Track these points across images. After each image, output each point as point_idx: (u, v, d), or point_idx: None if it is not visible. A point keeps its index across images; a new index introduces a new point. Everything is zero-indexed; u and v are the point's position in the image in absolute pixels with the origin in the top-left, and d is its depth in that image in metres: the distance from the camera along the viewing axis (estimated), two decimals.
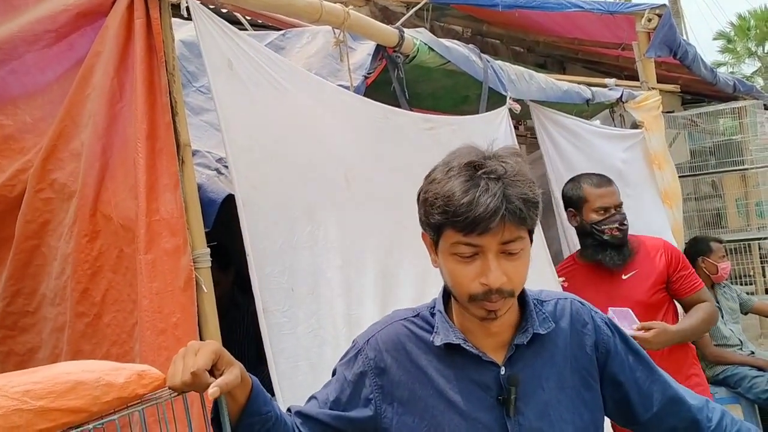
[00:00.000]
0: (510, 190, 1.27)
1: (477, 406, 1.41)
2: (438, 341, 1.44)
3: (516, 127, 5.06)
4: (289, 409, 1.49)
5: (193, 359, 1.20)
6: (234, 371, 1.25)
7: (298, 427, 1.44)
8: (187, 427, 1.35)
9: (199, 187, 1.82)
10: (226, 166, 1.79)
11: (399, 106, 2.49)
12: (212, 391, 1.18)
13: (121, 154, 1.79)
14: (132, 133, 1.74)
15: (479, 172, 1.29)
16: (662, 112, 4.67)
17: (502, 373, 1.42)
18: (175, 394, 1.25)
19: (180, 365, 1.21)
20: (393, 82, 2.48)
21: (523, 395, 1.41)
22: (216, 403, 1.29)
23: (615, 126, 4.30)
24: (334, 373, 1.52)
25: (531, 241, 1.36)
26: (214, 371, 1.23)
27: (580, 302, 1.55)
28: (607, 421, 1.60)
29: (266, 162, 1.77)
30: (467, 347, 1.42)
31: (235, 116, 1.72)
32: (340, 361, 1.52)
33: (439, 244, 1.36)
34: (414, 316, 1.51)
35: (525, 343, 1.43)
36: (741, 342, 4.60)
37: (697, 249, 4.67)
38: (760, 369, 4.34)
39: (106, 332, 1.85)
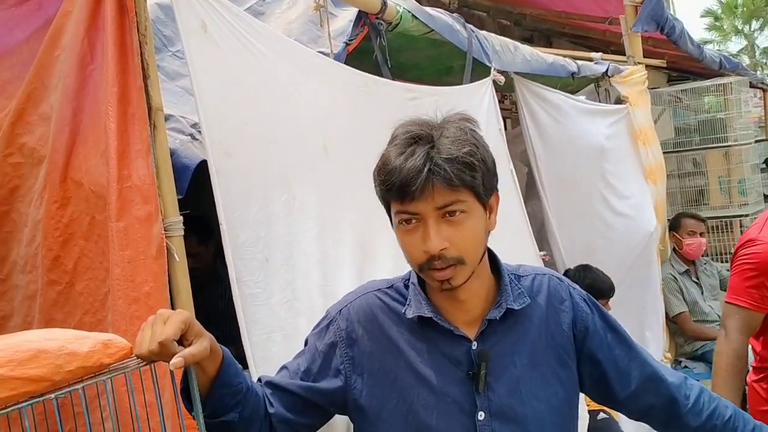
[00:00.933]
0: (437, 152, 1.26)
1: (447, 381, 1.40)
2: (410, 314, 1.42)
3: (501, 101, 5.04)
4: (259, 380, 1.48)
5: (162, 328, 1.17)
6: (203, 342, 1.23)
7: (268, 398, 1.42)
8: (158, 397, 1.33)
9: (173, 153, 1.78)
10: (201, 132, 1.74)
11: (381, 75, 2.45)
12: (175, 361, 1.16)
13: (92, 118, 1.74)
14: (103, 96, 1.69)
15: (413, 140, 1.29)
16: (648, 88, 4.65)
17: (474, 347, 1.40)
18: (143, 363, 1.22)
19: (148, 333, 1.18)
20: (375, 50, 2.43)
21: (493, 371, 1.40)
22: (186, 373, 1.27)
23: (600, 101, 4.28)
24: (306, 343, 1.50)
25: (484, 205, 1.35)
26: (183, 341, 1.21)
27: (558, 278, 1.53)
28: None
29: (241, 129, 1.73)
30: (438, 321, 1.40)
31: (208, 81, 1.67)
32: (313, 331, 1.51)
33: (391, 218, 1.36)
34: (388, 288, 1.49)
35: (498, 318, 1.41)
36: (720, 318, 4.62)
37: (671, 224, 4.73)
38: None
39: (79, 301, 1.81)
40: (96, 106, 1.72)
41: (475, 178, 1.29)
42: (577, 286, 1.56)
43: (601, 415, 3.46)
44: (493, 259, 1.49)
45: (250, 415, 1.37)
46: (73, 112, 1.74)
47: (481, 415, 1.39)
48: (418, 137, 1.30)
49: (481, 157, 1.31)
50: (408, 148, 1.28)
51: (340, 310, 1.49)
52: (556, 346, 1.47)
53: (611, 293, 3.46)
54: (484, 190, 1.32)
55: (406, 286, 1.48)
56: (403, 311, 1.44)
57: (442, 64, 3.38)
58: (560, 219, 3.64)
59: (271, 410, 1.42)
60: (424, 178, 1.25)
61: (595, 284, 3.31)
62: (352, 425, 1.53)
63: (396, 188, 1.28)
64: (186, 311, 1.25)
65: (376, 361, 1.44)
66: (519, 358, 1.43)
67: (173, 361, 1.16)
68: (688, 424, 1.52)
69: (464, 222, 1.31)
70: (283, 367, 1.50)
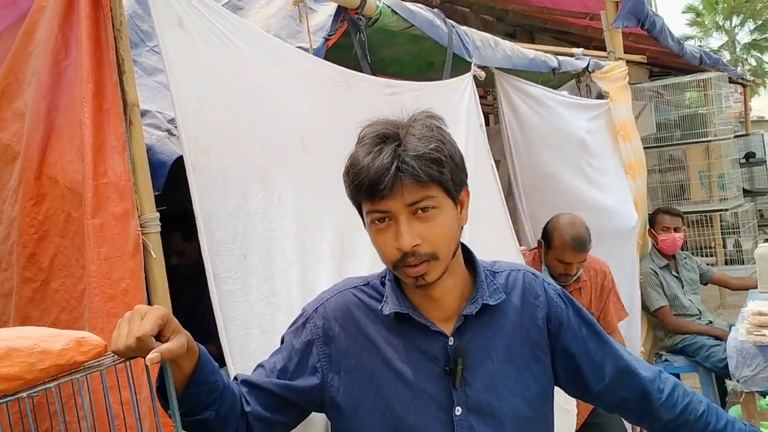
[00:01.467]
0: (404, 149, 1.28)
1: (424, 377, 1.40)
2: (386, 310, 1.42)
3: (484, 97, 5.05)
4: (235, 378, 1.47)
5: (139, 323, 1.17)
6: (180, 339, 1.22)
7: (244, 396, 1.42)
8: (134, 395, 1.32)
9: (149, 149, 1.76)
10: (177, 128, 1.73)
11: (362, 71, 2.44)
12: (152, 356, 1.15)
13: (67, 114, 1.72)
14: (78, 92, 1.67)
15: (380, 139, 1.30)
16: (629, 83, 4.68)
17: (450, 343, 1.41)
18: (119, 360, 1.21)
19: (125, 329, 1.17)
20: (354, 45, 2.43)
21: (470, 366, 1.41)
22: (161, 371, 1.26)
23: (581, 96, 4.29)
24: (282, 341, 1.50)
25: (455, 200, 1.36)
26: (160, 337, 1.20)
27: (533, 274, 1.54)
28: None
29: (218, 124, 1.72)
30: (415, 317, 1.40)
31: (184, 77, 1.66)
32: (289, 328, 1.51)
33: (363, 218, 1.37)
34: (364, 285, 1.50)
35: (474, 313, 1.41)
36: (700, 312, 4.67)
37: (649, 220, 4.79)
38: (717, 338, 4.42)
39: (55, 298, 1.80)
40: (71, 102, 1.71)
41: (443, 173, 1.30)
42: (552, 282, 1.57)
43: None
44: (468, 255, 1.49)
45: (227, 413, 1.37)
46: (48, 108, 1.73)
47: (458, 411, 1.39)
48: (385, 136, 1.31)
49: (448, 152, 1.32)
50: (375, 147, 1.29)
51: (317, 308, 1.49)
52: (531, 341, 1.48)
53: None
54: (454, 185, 1.33)
55: (383, 284, 1.48)
56: (379, 308, 1.44)
57: (423, 60, 3.38)
58: (541, 213, 3.64)
59: (247, 408, 1.41)
60: (392, 176, 1.26)
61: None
62: (329, 423, 1.53)
63: (365, 187, 1.29)
64: (163, 307, 1.24)
65: (352, 359, 1.44)
66: (495, 353, 1.44)
67: (150, 356, 1.15)
68: (660, 417, 1.54)
69: (435, 217, 1.32)
70: (260, 366, 1.50)
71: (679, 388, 1.57)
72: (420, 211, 1.30)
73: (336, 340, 1.45)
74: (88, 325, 1.68)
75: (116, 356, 1.21)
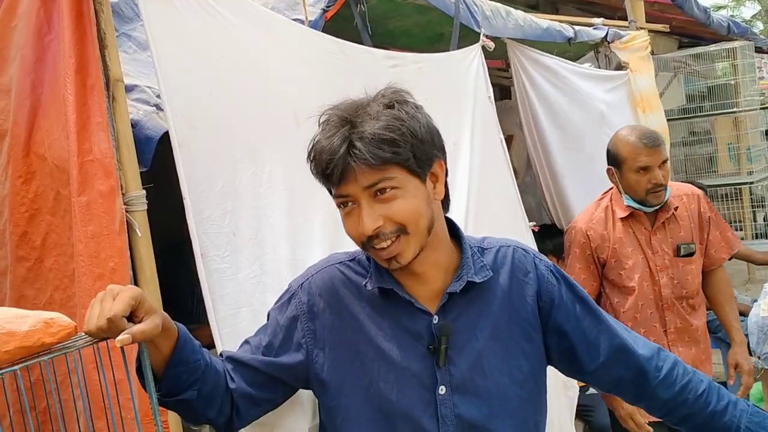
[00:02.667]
0: (354, 131, 1.24)
1: (408, 355, 1.37)
2: (370, 286, 1.40)
3: (505, 69, 4.94)
4: (221, 355, 1.46)
5: (110, 304, 1.14)
6: (154, 320, 1.19)
7: (229, 373, 1.40)
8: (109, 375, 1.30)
9: (136, 125, 1.73)
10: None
11: (362, 44, 2.38)
12: (122, 338, 1.12)
13: (52, 90, 1.69)
14: (62, 67, 1.64)
15: (338, 123, 1.27)
16: (657, 54, 4.53)
17: (435, 321, 1.37)
18: (91, 341, 1.19)
19: (97, 309, 1.15)
20: (355, 16, 2.36)
21: (455, 345, 1.37)
22: (139, 352, 1.24)
23: (600, 68, 4.17)
24: (268, 317, 1.49)
25: (421, 176, 1.31)
26: (133, 318, 1.17)
27: (523, 250, 1.49)
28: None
29: (205, 100, 1.67)
30: (399, 292, 1.37)
31: (169, 50, 1.62)
32: (275, 304, 1.49)
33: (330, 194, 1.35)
34: (350, 260, 1.47)
35: (458, 291, 1.38)
36: None
37: None
38: (741, 314, 4.31)
39: (49, 277, 1.79)
40: (56, 78, 1.68)
41: (398, 153, 1.26)
42: (543, 257, 1.52)
43: (590, 391, 3.44)
44: (454, 230, 1.45)
45: (210, 392, 1.35)
46: (33, 84, 1.70)
47: (442, 390, 1.37)
48: (344, 119, 1.28)
49: (407, 129, 1.27)
50: (332, 130, 1.28)
51: (302, 284, 1.47)
52: (520, 319, 1.44)
53: None
54: (417, 161, 1.29)
55: (369, 259, 1.44)
56: (363, 284, 1.41)
57: (432, 31, 3.30)
58: (561, 187, 3.56)
59: (232, 386, 1.40)
60: (342, 160, 1.24)
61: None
62: (317, 400, 1.50)
63: (320, 173, 1.29)
64: (137, 287, 1.21)
65: (337, 335, 1.42)
66: (481, 332, 1.40)
67: (120, 337, 1.13)
68: (658, 396, 1.49)
69: (397, 197, 1.28)
70: (245, 342, 1.48)
71: (678, 366, 1.52)
72: (379, 193, 1.28)
73: (321, 316, 1.43)
74: (78, 305, 1.66)
75: (88, 338, 1.19)
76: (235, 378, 1.41)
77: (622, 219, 2.71)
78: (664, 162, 2.63)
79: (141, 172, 1.66)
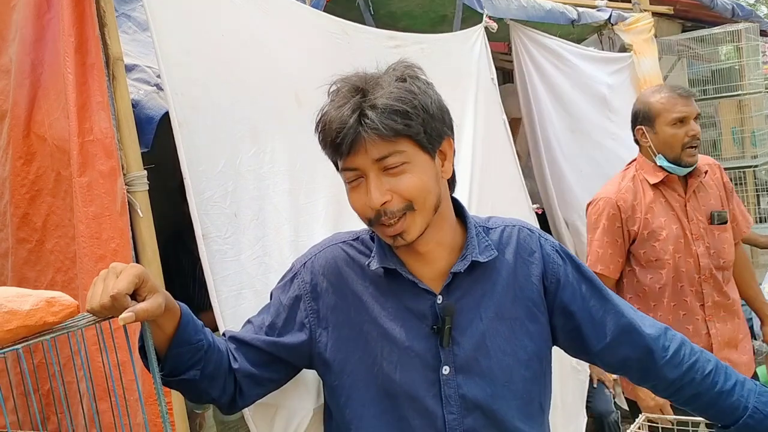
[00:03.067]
0: (367, 103, 1.22)
1: (411, 335, 1.37)
2: (373, 265, 1.39)
3: (507, 53, 4.91)
4: (223, 334, 1.46)
5: (114, 281, 1.13)
6: (157, 299, 1.18)
7: (232, 353, 1.40)
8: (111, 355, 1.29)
9: (137, 104, 1.72)
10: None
11: (364, 24, 2.36)
12: (125, 316, 1.11)
13: (52, 70, 1.68)
14: (61, 47, 1.62)
15: (350, 93, 1.25)
16: (661, 37, 4.50)
17: (439, 301, 1.36)
18: (94, 320, 1.18)
19: (100, 287, 1.14)
20: None
21: (458, 325, 1.36)
22: (141, 332, 1.23)
23: (603, 50, 4.14)
24: (271, 297, 1.48)
25: (431, 152, 1.30)
26: (136, 297, 1.16)
27: (528, 229, 1.48)
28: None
29: (206, 79, 1.66)
30: (402, 272, 1.36)
31: (169, 29, 1.60)
32: (278, 284, 1.49)
33: (336, 168, 1.33)
34: (353, 240, 1.47)
35: (462, 271, 1.37)
36: None
37: None
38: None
39: (50, 259, 1.78)
40: (55, 58, 1.66)
41: (410, 126, 1.24)
42: (549, 237, 1.51)
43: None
44: (460, 210, 1.43)
45: (213, 371, 1.35)
46: (33, 64, 1.69)
47: (445, 370, 1.36)
48: (355, 89, 1.26)
49: (419, 103, 1.26)
50: (342, 100, 1.25)
51: (305, 263, 1.46)
52: (525, 299, 1.43)
53: None
54: (427, 137, 1.28)
55: (372, 238, 1.44)
56: (367, 263, 1.40)
57: (435, 12, 3.28)
58: (562, 169, 3.54)
59: (235, 365, 1.40)
60: (353, 131, 1.22)
61: None
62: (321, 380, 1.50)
63: (329, 143, 1.27)
64: (140, 266, 1.21)
65: (340, 315, 1.41)
66: (485, 312, 1.39)
67: (123, 315, 1.12)
68: (665, 376, 1.48)
69: (405, 172, 1.27)
70: (248, 322, 1.48)
71: (685, 345, 1.51)
72: (388, 167, 1.26)
73: (324, 295, 1.43)
74: (80, 286, 1.66)
75: (91, 317, 1.18)
76: (238, 358, 1.40)
77: (654, 186, 2.58)
78: (698, 116, 2.56)
79: (142, 154, 1.65)
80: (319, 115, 1.30)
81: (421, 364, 1.36)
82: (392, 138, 1.23)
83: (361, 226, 1.67)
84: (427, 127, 1.27)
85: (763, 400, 1.47)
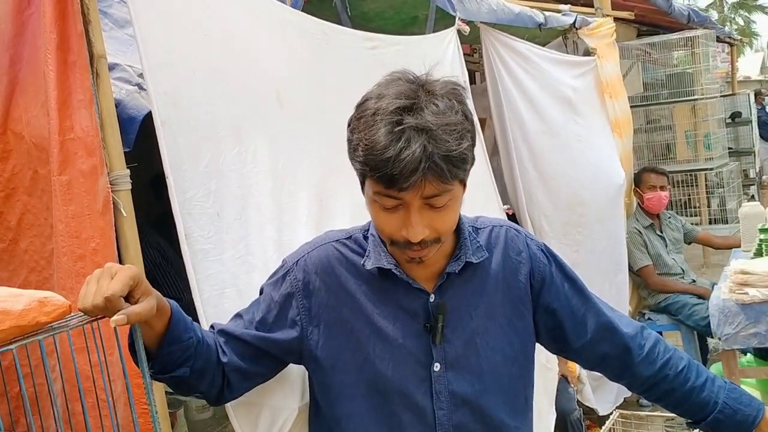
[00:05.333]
0: (434, 145, 1.17)
1: (404, 333, 1.39)
2: (369, 265, 1.40)
3: (470, 55, 4.96)
4: (212, 327, 1.46)
5: (108, 283, 1.13)
6: (149, 302, 1.19)
7: (221, 346, 1.41)
8: (103, 357, 1.28)
9: (118, 104, 1.70)
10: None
11: (341, 24, 2.37)
12: (117, 318, 1.11)
13: (31, 66, 1.65)
14: (42, 43, 1.59)
15: (405, 123, 1.18)
16: (617, 42, 4.60)
17: (432, 300, 1.39)
18: (85, 320, 1.17)
19: (93, 287, 1.14)
20: None
21: (450, 323, 1.39)
22: (132, 330, 1.22)
23: (568, 53, 4.22)
24: (261, 292, 1.48)
25: (464, 185, 1.30)
26: (129, 298, 1.16)
27: (515, 230, 1.52)
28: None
29: (188, 78, 1.65)
30: (397, 273, 1.38)
31: (152, 27, 1.58)
32: (268, 280, 1.49)
33: (364, 186, 1.30)
34: (346, 238, 1.47)
35: (457, 271, 1.39)
36: (683, 271, 4.68)
37: (635, 179, 4.77)
38: (700, 297, 4.43)
39: (24, 258, 1.75)
40: (35, 54, 1.63)
41: (467, 169, 1.25)
42: (535, 237, 1.55)
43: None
44: None
45: (202, 366, 1.36)
46: (11, 60, 1.66)
47: (436, 367, 1.39)
48: (403, 109, 1.19)
49: (471, 140, 1.24)
50: (395, 132, 1.18)
51: (297, 261, 1.47)
52: (513, 297, 1.46)
53: None
54: (469, 171, 1.29)
55: (365, 237, 1.46)
56: (361, 263, 1.42)
57: (406, 14, 3.30)
58: (529, 170, 3.58)
59: (224, 359, 1.41)
60: (420, 176, 1.18)
61: None
62: (306, 374, 1.52)
63: (384, 177, 1.20)
64: (135, 267, 1.21)
65: (332, 313, 1.43)
66: (476, 310, 1.43)
67: (115, 318, 1.12)
68: (640, 373, 1.54)
69: (448, 208, 1.27)
70: (238, 315, 1.49)
71: (660, 344, 1.57)
72: (433, 205, 1.25)
73: (316, 293, 1.43)
74: (57, 286, 1.63)
75: (83, 317, 1.18)
76: (227, 351, 1.41)
77: None
78: None
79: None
80: (366, 137, 1.21)
81: (413, 361, 1.39)
82: (447, 182, 1.21)
83: (343, 224, 1.69)
84: (473, 161, 1.27)
85: (732, 396, 1.52)
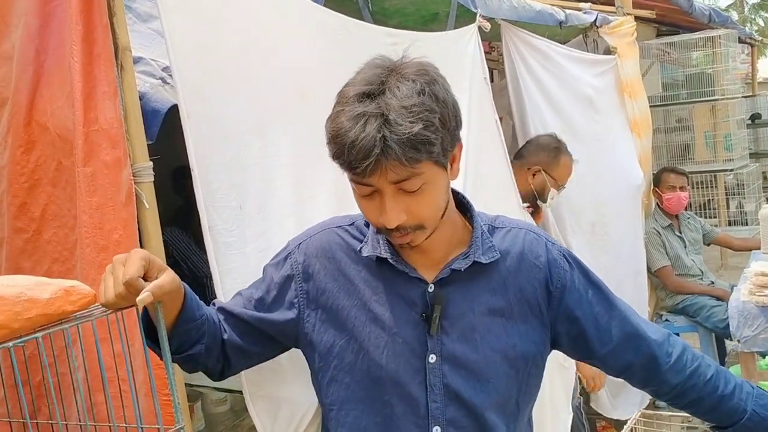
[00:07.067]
0: (388, 129, 1.16)
1: (400, 321, 1.38)
2: (365, 252, 1.41)
3: (489, 52, 4.94)
4: (213, 303, 1.48)
5: (122, 269, 1.13)
6: (168, 274, 1.20)
7: (221, 323, 1.43)
8: (126, 347, 1.28)
9: (142, 97, 1.70)
10: (172, 75, 1.66)
11: (362, 20, 2.37)
12: (143, 296, 1.12)
13: (56, 57, 1.65)
14: (68, 35, 1.60)
15: (361, 108, 1.18)
16: (636, 41, 4.57)
17: (430, 290, 1.38)
18: (109, 311, 1.18)
19: (110, 280, 1.14)
20: None
21: (449, 316, 1.38)
22: (146, 316, 1.23)
23: (588, 52, 4.19)
24: (264, 272, 1.50)
25: (445, 167, 1.28)
26: (146, 279, 1.16)
27: (536, 233, 1.49)
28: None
29: (214, 72, 1.65)
30: (393, 262, 1.38)
31: (180, 22, 1.59)
32: (271, 261, 1.50)
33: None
34: (349, 225, 1.48)
35: (463, 269, 1.38)
36: (702, 272, 4.65)
37: (654, 179, 4.74)
38: (718, 299, 4.40)
39: (47, 249, 1.76)
40: (60, 45, 1.64)
41: (432, 151, 1.21)
42: (556, 242, 1.52)
43: None
44: (466, 206, 1.45)
45: (211, 343, 1.39)
46: (36, 51, 1.66)
47: (432, 358, 1.37)
48: (367, 95, 1.20)
49: (439, 121, 1.21)
50: (357, 113, 1.18)
51: (299, 244, 1.48)
52: (523, 300, 1.43)
53: None
54: (444, 152, 1.25)
55: (367, 224, 1.45)
56: (359, 249, 1.43)
57: (427, 11, 3.29)
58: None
59: (224, 336, 1.43)
60: (374, 159, 1.17)
61: None
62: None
63: (345, 163, 1.21)
64: (143, 249, 1.21)
65: (330, 298, 1.43)
66: (479, 307, 1.40)
67: (141, 296, 1.12)
68: (668, 381, 1.50)
69: (424, 192, 1.26)
70: (238, 294, 1.51)
71: (687, 351, 1.53)
72: (405, 187, 1.24)
73: (315, 277, 1.44)
74: (80, 276, 1.64)
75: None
76: (227, 329, 1.44)
77: None
78: None
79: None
80: (333, 127, 1.23)
81: (408, 350, 1.37)
82: (411, 165, 1.20)
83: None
84: (445, 143, 1.24)
85: (760, 403, 1.50)
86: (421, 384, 1.37)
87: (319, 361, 1.43)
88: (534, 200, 3.00)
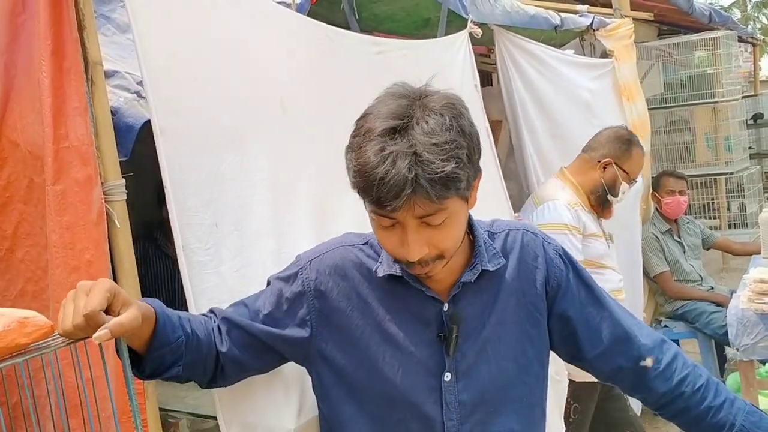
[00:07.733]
0: (420, 167, 1.14)
1: (415, 341, 1.37)
2: (381, 272, 1.38)
3: (487, 55, 4.88)
4: (212, 311, 1.43)
5: (85, 300, 1.09)
6: (131, 311, 1.14)
7: (222, 335, 1.39)
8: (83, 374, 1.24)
9: (116, 112, 1.66)
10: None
11: (349, 27, 2.32)
12: (99, 334, 1.07)
13: (26, 73, 1.61)
14: (37, 49, 1.56)
15: (391, 145, 1.15)
16: (637, 42, 4.51)
17: (445, 309, 1.37)
18: (68, 342, 1.13)
19: (70, 308, 1.10)
20: (342, 0, 2.30)
21: (463, 332, 1.37)
22: (116, 344, 1.18)
23: (585, 55, 4.14)
24: (269, 284, 1.46)
25: (467, 198, 1.26)
26: (109, 311, 1.12)
27: (532, 233, 1.49)
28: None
29: (189, 84, 1.60)
30: (410, 281, 1.36)
31: (152, 31, 1.54)
32: (279, 274, 1.46)
33: (365, 203, 1.26)
34: (363, 244, 1.45)
35: (472, 280, 1.37)
36: (701, 277, 4.59)
37: (653, 183, 4.68)
38: (718, 305, 4.34)
39: (20, 268, 1.72)
40: (30, 60, 1.60)
41: (459, 187, 1.19)
42: (552, 241, 1.51)
43: None
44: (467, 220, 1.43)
45: (193, 360, 1.34)
46: (6, 66, 1.62)
47: (447, 376, 1.36)
48: (395, 129, 1.17)
49: (466, 156, 1.19)
50: (388, 149, 1.15)
51: (311, 260, 1.44)
52: (527, 303, 1.43)
53: None
54: (468, 185, 1.24)
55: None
56: (374, 269, 1.40)
57: (418, 16, 3.24)
58: (546, 174, 3.52)
59: (222, 348, 1.39)
60: (405, 197, 1.15)
61: None
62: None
63: (374, 200, 1.18)
64: (109, 280, 1.17)
65: (343, 317, 1.40)
66: (489, 318, 1.40)
67: (97, 333, 1.07)
68: (655, 388, 1.48)
69: (447, 225, 1.24)
70: (242, 304, 1.45)
71: (678, 359, 1.50)
72: (429, 223, 1.22)
73: (328, 295, 1.41)
74: (51, 299, 1.60)
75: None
76: (227, 341, 1.40)
77: None
78: None
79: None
80: (357, 157, 1.19)
81: (423, 370, 1.36)
82: (442, 202, 1.19)
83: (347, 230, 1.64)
84: (470, 177, 1.23)
85: (751, 420, 1.46)
86: (436, 403, 1.36)
87: (332, 379, 1.41)
88: (604, 195, 2.85)
